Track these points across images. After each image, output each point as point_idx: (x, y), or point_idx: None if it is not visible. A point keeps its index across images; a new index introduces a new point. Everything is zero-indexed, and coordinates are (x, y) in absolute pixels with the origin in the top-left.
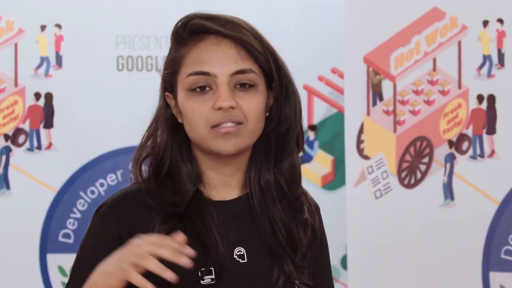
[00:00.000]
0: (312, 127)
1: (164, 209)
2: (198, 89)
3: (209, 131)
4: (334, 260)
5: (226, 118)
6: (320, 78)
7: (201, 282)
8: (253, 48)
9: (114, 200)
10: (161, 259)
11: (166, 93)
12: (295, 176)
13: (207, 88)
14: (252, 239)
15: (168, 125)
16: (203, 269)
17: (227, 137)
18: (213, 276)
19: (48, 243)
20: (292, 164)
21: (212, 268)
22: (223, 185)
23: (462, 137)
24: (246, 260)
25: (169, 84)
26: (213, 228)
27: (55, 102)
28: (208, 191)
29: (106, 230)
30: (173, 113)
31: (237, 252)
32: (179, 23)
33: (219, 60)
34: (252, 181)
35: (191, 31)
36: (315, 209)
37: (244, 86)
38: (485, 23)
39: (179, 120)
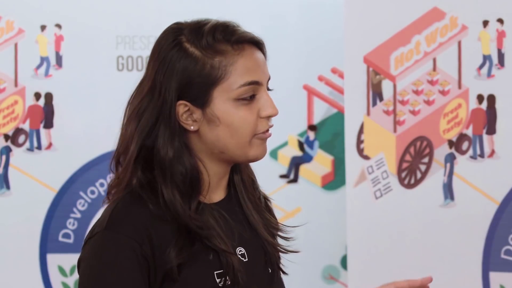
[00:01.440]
0: (312, 127)
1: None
2: (248, 98)
3: (252, 138)
4: (334, 260)
5: (269, 125)
6: (320, 78)
7: (219, 284)
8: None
9: (121, 214)
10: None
11: (182, 102)
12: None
13: (252, 97)
14: (248, 238)
15: (178, 134)
16: (220, 271)
17: (264, 144)
18: (227, 278)
19: (48, 243)
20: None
21: (226, 270)
22: (215, 188)
23: (462, 137)
24: (247, 259)
25: (189, 94)
26: (219, 232)
27: (55, 102)
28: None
29: (129, 249)
30: (182, 121)
31: (239, 251)
32: (209, 32)
33: (261, 68)
34: (237, 181)
35: (234, 41)
36: (267, 201)
37: None
38: (485, 23)
39: (191, 128)
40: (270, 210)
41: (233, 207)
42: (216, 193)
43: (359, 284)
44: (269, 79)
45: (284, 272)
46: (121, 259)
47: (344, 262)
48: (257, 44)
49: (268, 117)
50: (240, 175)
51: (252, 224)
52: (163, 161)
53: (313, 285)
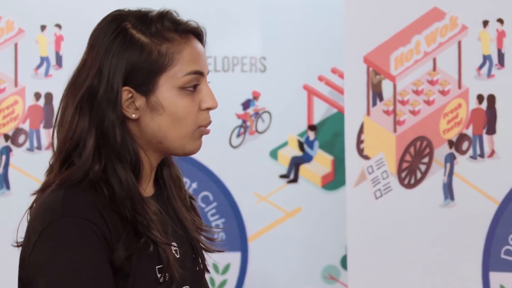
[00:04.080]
0: (312, 127)
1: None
2: (191, 88)
3: (194, 131)
4: (334, 260)
5: (210, 119)
6: (320, 78)
7: (160, 279)
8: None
9: (74, 200)
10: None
11: (126, 88)
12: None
13: (195, 87)
14: (179, 233)
15: (121, 121)
16: (161, 266)
17: (201, 139)
18: (166, 273)
19: None
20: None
21: (165, 265)
22: (145, 181)
23: (462, 137)
24: (179, 255)
25: (134, 80)
26: (157, 226)
27: (55, 102)
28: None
29: (91, 231)
30: (124, 108)
31: (173, 247)
32: (158, 19)
33: (203, 59)
34: (167, 175)
35: (181, 30)
36: (192, 200)
37: None
38: (485, 23)
39: (133, 116)
40: (194, 210)
41: (164, 202)
42: (145, 187)
43: (359, 284)
44: (207, 72)
45: (207, 271)
46: (87, 242)
47: (344, 262)
48: (199, 36)
49: (208, 109)
50: (169, 170)
51: (182, 221)
52: (115, 144)
53: (313, 285)
